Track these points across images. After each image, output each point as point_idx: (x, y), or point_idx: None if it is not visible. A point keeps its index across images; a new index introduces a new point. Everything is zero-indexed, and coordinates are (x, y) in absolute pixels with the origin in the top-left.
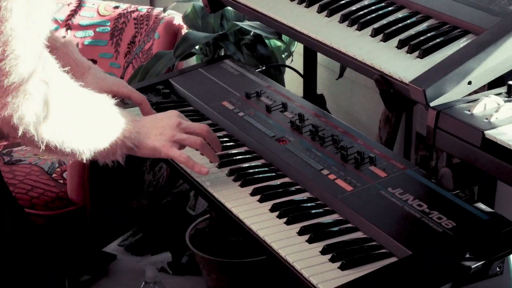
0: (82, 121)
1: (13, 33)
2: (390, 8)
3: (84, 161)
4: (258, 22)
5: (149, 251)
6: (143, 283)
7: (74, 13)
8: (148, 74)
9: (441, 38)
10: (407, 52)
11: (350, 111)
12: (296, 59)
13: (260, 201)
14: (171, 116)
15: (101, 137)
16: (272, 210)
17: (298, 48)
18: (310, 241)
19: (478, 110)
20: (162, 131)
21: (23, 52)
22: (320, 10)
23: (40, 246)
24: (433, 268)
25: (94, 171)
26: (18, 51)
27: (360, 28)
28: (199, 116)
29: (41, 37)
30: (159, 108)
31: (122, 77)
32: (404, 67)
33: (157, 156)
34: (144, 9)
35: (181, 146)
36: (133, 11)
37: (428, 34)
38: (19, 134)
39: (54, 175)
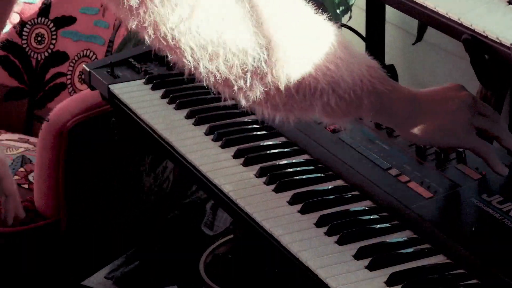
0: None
1: None
2: None
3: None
4: None
5: (149, 286)
6: None
7: None
8: None
9: None
10: (509, 2)
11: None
12: (357, 16)
13: (302, 212)
14: (460, 88)
15: (339, 64)
16: (318, 224)
17: (358, 1)
18: (371, 267)
19: None
20: (457, 107)
21: None
22: None
23: None
24: None
25: (71, 171)
26: None
27: None
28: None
29: None
30: (163, 82)
31: (111, 41)
32: (504, 23)
33: (451, 144)
34: None
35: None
36: None
37: None
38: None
39: (16, 177)
